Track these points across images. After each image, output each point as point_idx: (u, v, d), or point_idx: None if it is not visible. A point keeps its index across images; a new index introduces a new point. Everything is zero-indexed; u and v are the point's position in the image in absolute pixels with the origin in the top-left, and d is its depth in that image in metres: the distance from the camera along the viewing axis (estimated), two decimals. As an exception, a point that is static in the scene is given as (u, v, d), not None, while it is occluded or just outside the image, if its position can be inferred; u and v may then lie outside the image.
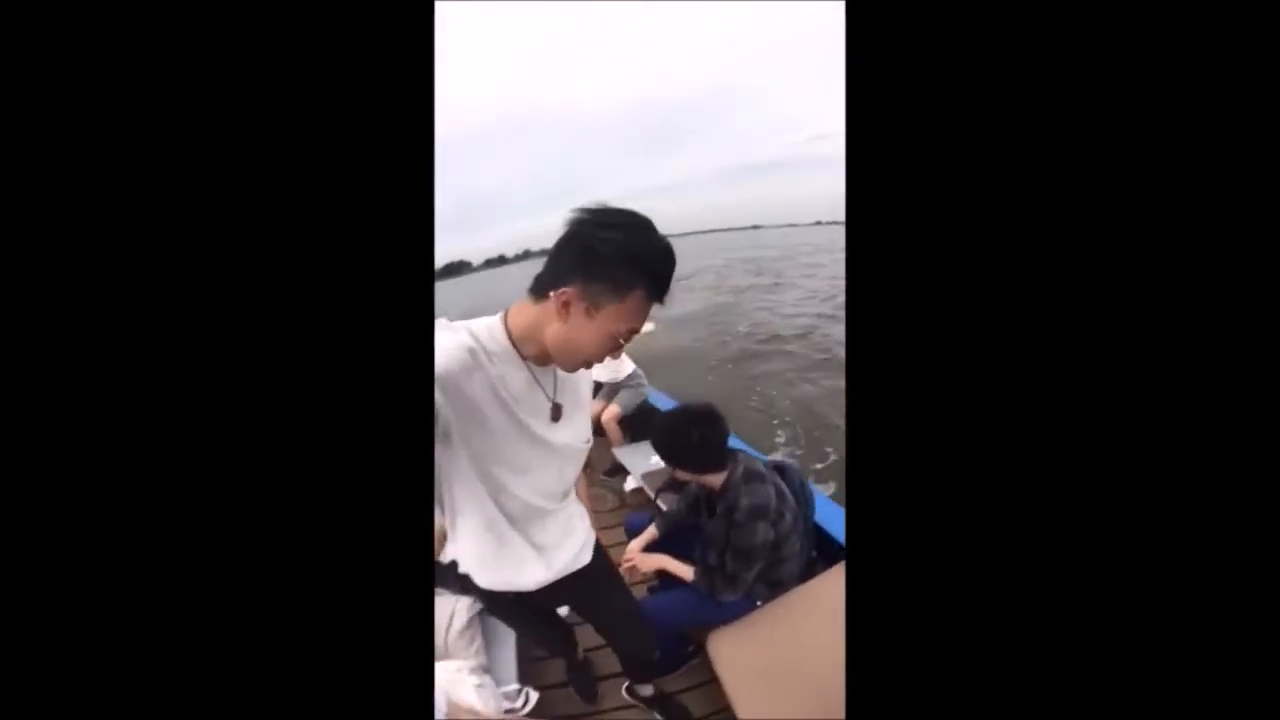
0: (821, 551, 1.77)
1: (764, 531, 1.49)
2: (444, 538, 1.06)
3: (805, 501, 1.72)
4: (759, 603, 1.61)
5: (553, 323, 0.80)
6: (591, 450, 1.07)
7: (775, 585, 1.62)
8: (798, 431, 5.58)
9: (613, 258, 0.75)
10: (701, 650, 1.70)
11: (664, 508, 1.94)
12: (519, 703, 1.37)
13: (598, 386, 3.02)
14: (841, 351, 8.40)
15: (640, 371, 3.02)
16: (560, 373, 0.92)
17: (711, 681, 1.66)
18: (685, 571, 1.62)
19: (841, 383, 6.99)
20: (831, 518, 1.83)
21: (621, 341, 0.82)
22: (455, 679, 1.28)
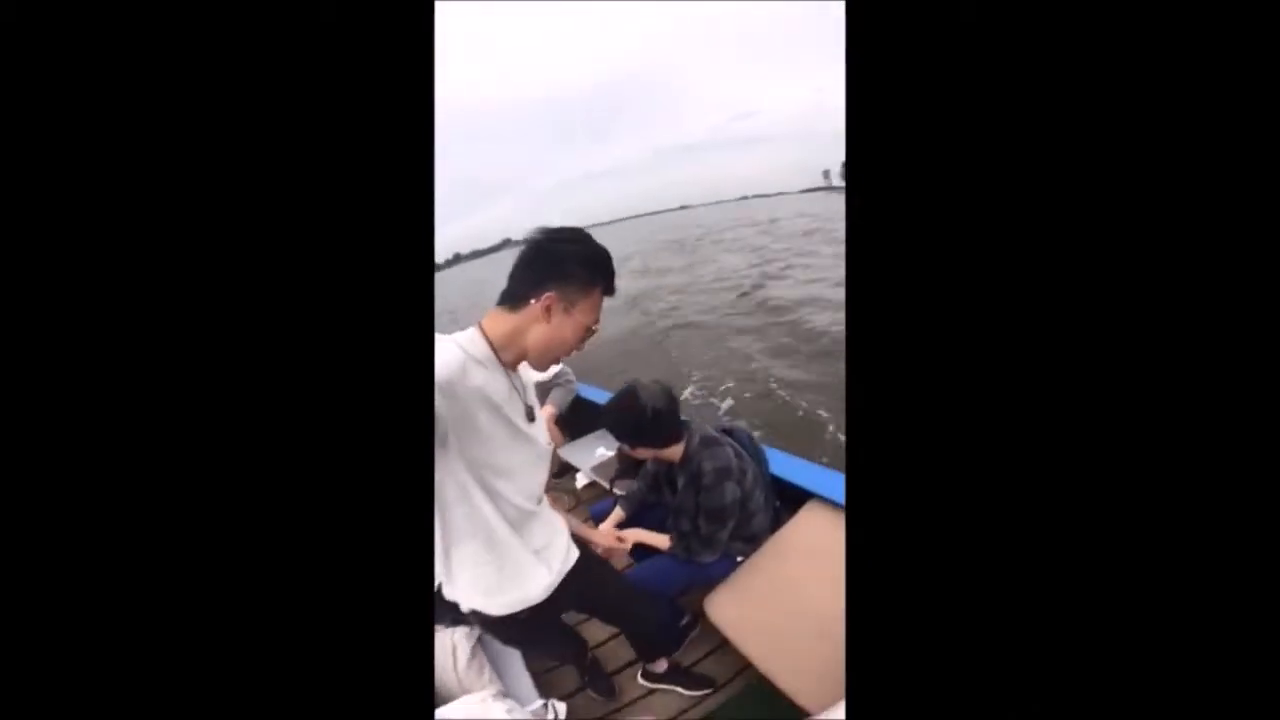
0: (784, 501, 1.90)
1: (732, 490, 1.59)
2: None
3: (759, 458, 1.85)
4: (739, 559, 1.72)
5: (535, 325, 0.94)
6: None
7: (750, 540, 1.73)
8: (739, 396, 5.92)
9: (577, 263, 0.93)
10: (699, 621, 1.80)
11: (621, 493, 2.00)
12: (550, 716, 1.38)
13: None
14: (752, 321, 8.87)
15: (568, 369, 3.03)
16: (524, 378, 1.06)
17: (720, 648, 1.75)
18: (660, 540, 1.70)
19: (763, 343, 7.38)
20: (787, 467, 1.97)
21: (593, 330, 0.99)
22: (484, 710, 1.28)
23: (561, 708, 1.43)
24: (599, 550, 1.42)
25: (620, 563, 1.48)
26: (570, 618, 1.64)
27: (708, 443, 1.64)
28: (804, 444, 4.59)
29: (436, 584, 1.79)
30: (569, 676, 1.71)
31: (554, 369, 2.97)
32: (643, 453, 1.63)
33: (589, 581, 1.26)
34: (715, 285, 13.18)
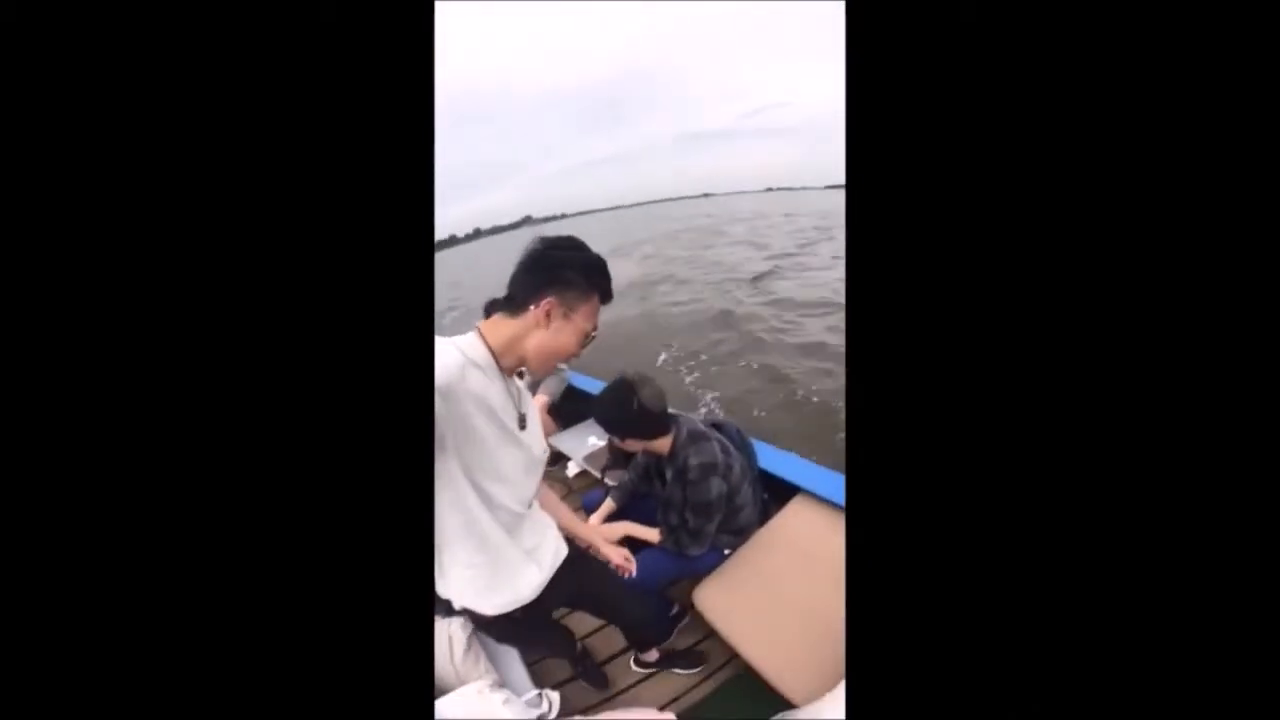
0: (772, 495, 1.94)
1: (717, 485, 1.62)
2: None
3: (747, 451, 1.88)
4: (727, 551, 1.77)
5: (535, 331, 0.95)
6: None
7: (738, 533, 1.78)
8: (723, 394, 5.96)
9: (575, 270, 0.95)
10: (688, 611, 1.85)
11: (612, 483, 2.04)
12: (544, 707, 1.43)
13: None
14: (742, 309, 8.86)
15: None
16: (518, 385, 1.08)
17: (708, 637, 1.80)
18: (650, 534, 1.75)
19: (740, 336, 7.40)
20: (776, 462, 2.01)
21: (592, 336, 1.01)
22: (481, 701, 1.32)
23: (555, 697, 1.48)
24: (601, 556, 1.46)
25: (626, 568, 1.51)
26: (558, 612, 1.68)
27: (695, 438, 1.67)
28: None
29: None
30: (562, 666, 1.76)
31: None
32: (631, 445, 1.66)
33: (579, 577, 1.29)
34: (723, 276, 13.12)
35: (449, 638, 1.58)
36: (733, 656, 1.53)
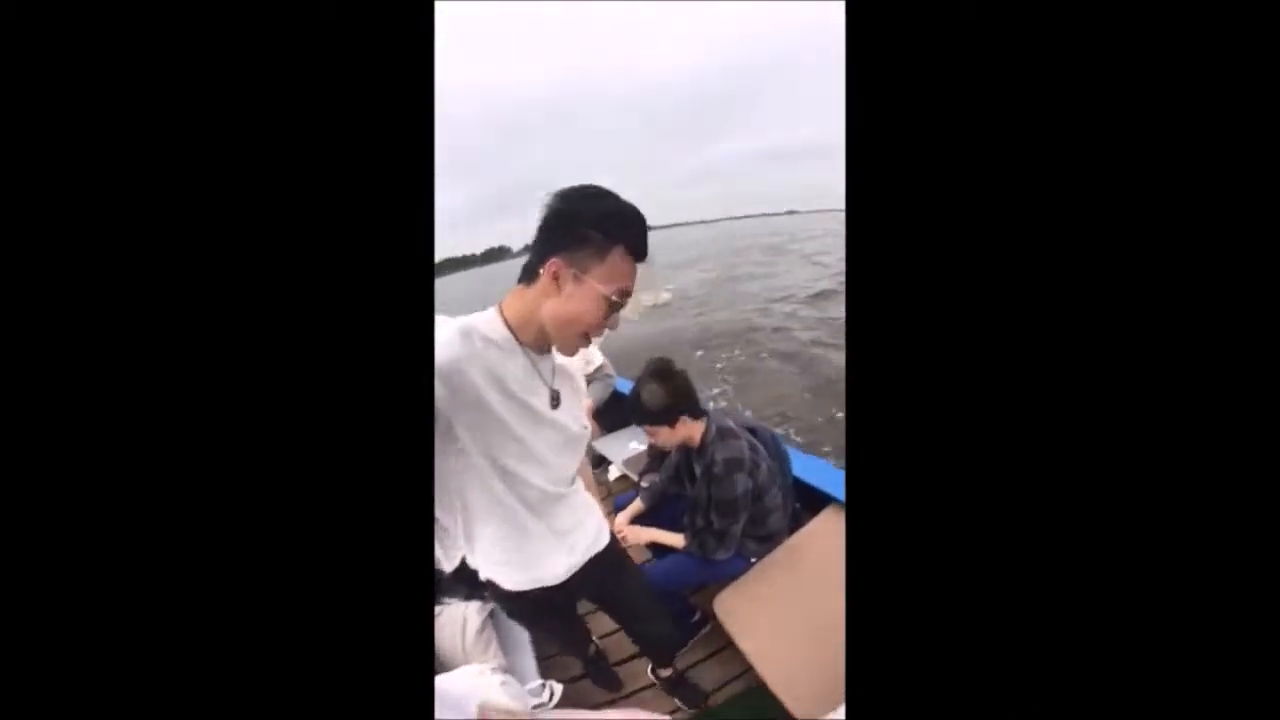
0: (805, 504, 1.85)
1: (743, 482, 1.56)
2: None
3: (781, 457, 1.81)
4: (753, 560, 1.69)
5: (547, 298, 0.84)
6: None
7: (765, 540, 1.70)
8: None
9: (589, 221, 0.80)
10: (709, 620, 1.78)
11: (646, 486, 2.01)
12: (544, 697, 1.40)
13: None
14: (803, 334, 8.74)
15: (608, 363, 3.07)
16: (557, 361, 0.97)
17: (725, 648, 1.73)
18: (675, 539, 1.70)
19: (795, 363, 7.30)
20: (810, 470, 1.92)
21: (615, 300, 0.84)
22: (481, 681, 1.31)
23: (558, 689, 1.45)
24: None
25: (637, 556, 1.47)
26: (583, 607, 1.66)
27: (724, 434, 1.63)
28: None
29: (460, 556, 1.86)
30: (574, 663, 1.73)
31: (596, 361, 3.01)
32: (663, 436, 1.62)
33: (611, 573, 1.24)
34: (780, 295, 12.97)
35: (463, 619, 1.59)
36: (748, 669, 1.46)
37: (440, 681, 1.32)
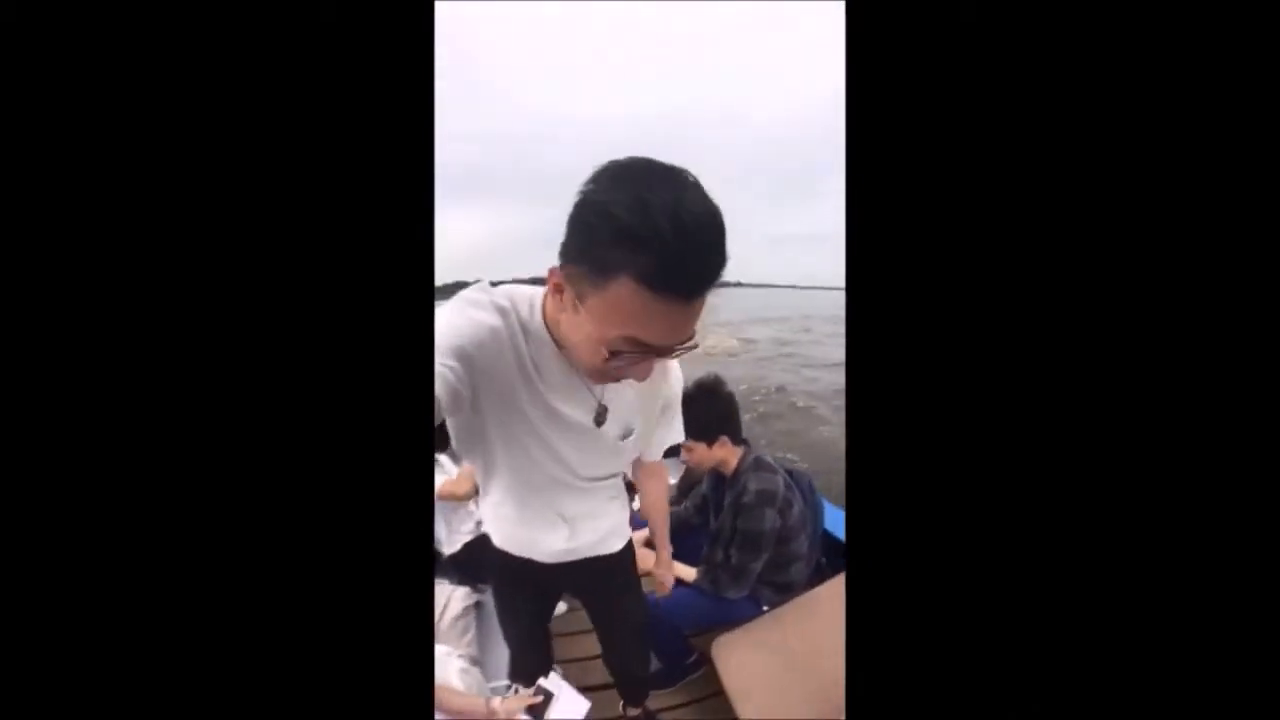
0: (831, 559, 1.69)
1: (771, 518, 1.45)
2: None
3: (815, 506, 1.67)
4: (765, 607, 1.54)
5: (562, 313, 0.66)
6: None
7: (783, 589, 1.55)
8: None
9: (599, 227, 0.54)
10: (704, 663, 1.62)
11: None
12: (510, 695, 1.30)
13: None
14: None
15: None
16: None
17: (712, 696, 1.57)
18: (688, 573, 1.57)
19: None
20: (840, 524, 1.76)
21: (613, 348, 0.60)
22: (441, 664, 1.23)
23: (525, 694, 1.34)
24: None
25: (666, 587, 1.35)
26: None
27: (760, 465, 1.53)
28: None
29: (460, 542, 1.81)
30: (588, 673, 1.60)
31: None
32: (695, 451, 1.52)
33: (611, 588, 1.15)
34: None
35: (445, 601, 1.52)
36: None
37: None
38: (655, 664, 1.57)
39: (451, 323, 0.69)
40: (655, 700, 1.55)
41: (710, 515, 1.71)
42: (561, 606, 1.79)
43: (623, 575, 1.17)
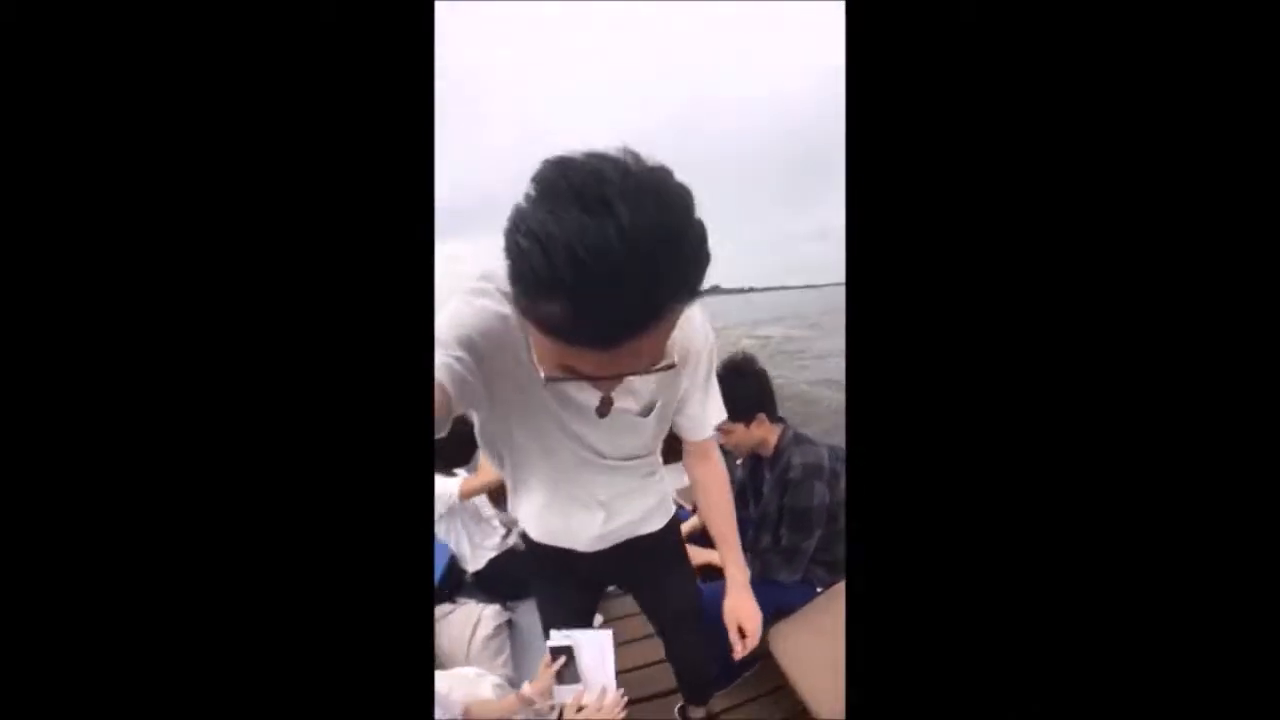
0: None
1: (820, 492, 1.36)
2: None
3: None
4: (819, 589, 1.43)
5: None
6: None
7: (837, 568, 1.45)
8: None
9: (510, 261, 0.46)
10: (759, 657, 1.50)
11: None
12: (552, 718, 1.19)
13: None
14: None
15: None
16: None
17: (777, 689, 1.46)
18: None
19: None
20: None
21: (553, 378, 0.56)
22: (473, 684, 1.13)
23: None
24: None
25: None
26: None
27: (801, 439, 1.44)
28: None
29: (486, 559, 1.71)
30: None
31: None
32: (733, 433, 1.41)
33: (656, 571, 1.08)
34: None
35: (476, 620, 1.42)
36: (802, 712, 1.19)
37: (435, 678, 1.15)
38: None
39: (457, 314, 0.68)
40: (713, 701, 1.43)
41: (750, 503, 1.60)
42: (598, 619, 1.68)
43: (667, 553, 1.09)
